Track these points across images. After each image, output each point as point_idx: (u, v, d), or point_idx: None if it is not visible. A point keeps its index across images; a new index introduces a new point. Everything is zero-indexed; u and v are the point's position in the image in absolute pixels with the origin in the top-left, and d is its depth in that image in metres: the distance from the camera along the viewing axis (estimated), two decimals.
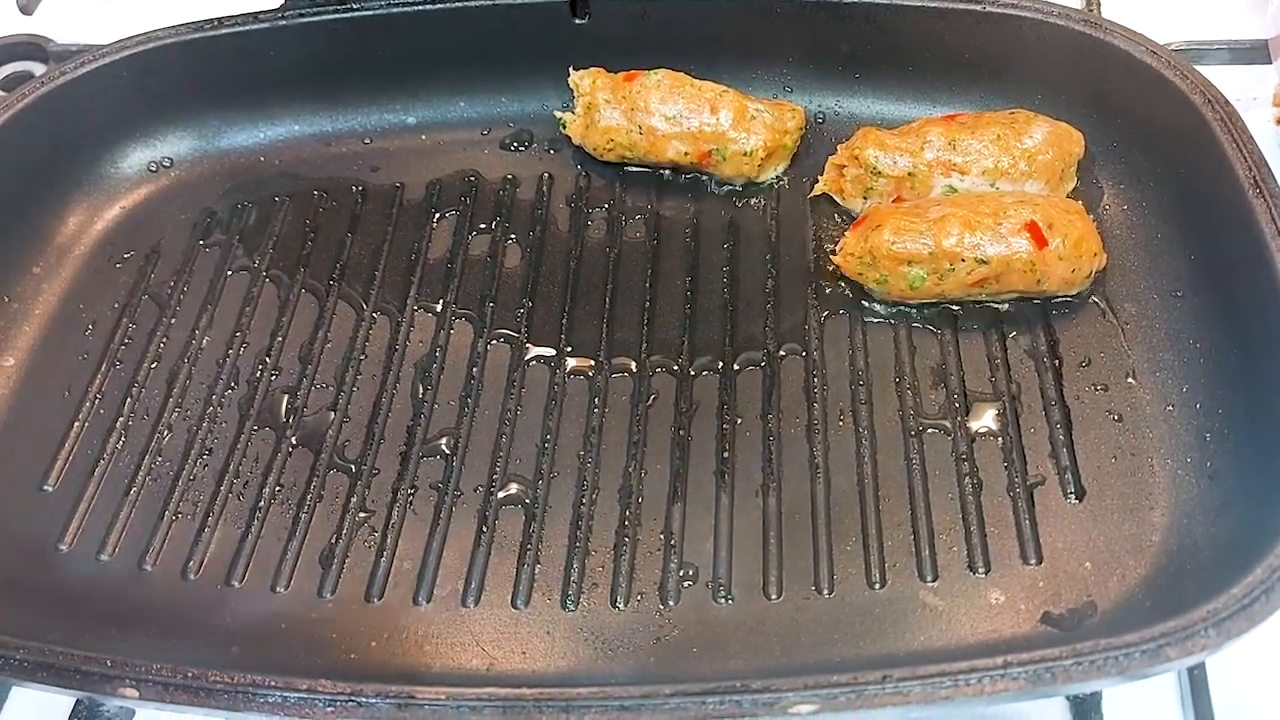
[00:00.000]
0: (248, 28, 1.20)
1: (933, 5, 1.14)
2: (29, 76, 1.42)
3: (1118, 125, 1.11)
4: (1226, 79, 1.24)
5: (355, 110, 1.25)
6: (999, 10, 1.12)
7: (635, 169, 1.20)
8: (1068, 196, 1.11)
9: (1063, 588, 0.89)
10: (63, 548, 0.97)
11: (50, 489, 1.00)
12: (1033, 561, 0.90)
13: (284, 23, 1.20)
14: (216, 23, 1.21)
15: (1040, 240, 1.01)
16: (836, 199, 1.14)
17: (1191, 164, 1.03)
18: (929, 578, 0.90)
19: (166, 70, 1.21)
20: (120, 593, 0.94)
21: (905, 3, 1.14)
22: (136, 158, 1.23)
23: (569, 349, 1.07)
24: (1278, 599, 0.75)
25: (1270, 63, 1.23)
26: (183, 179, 1.24)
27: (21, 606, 0.91)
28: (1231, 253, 0.97)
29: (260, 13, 1.21)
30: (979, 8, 1.13)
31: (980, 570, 0.90)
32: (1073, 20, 1.10)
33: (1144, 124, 1.08)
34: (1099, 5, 1.22)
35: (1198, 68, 1.16)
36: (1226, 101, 1.02)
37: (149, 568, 0.96)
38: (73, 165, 1.20)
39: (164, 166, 1.24)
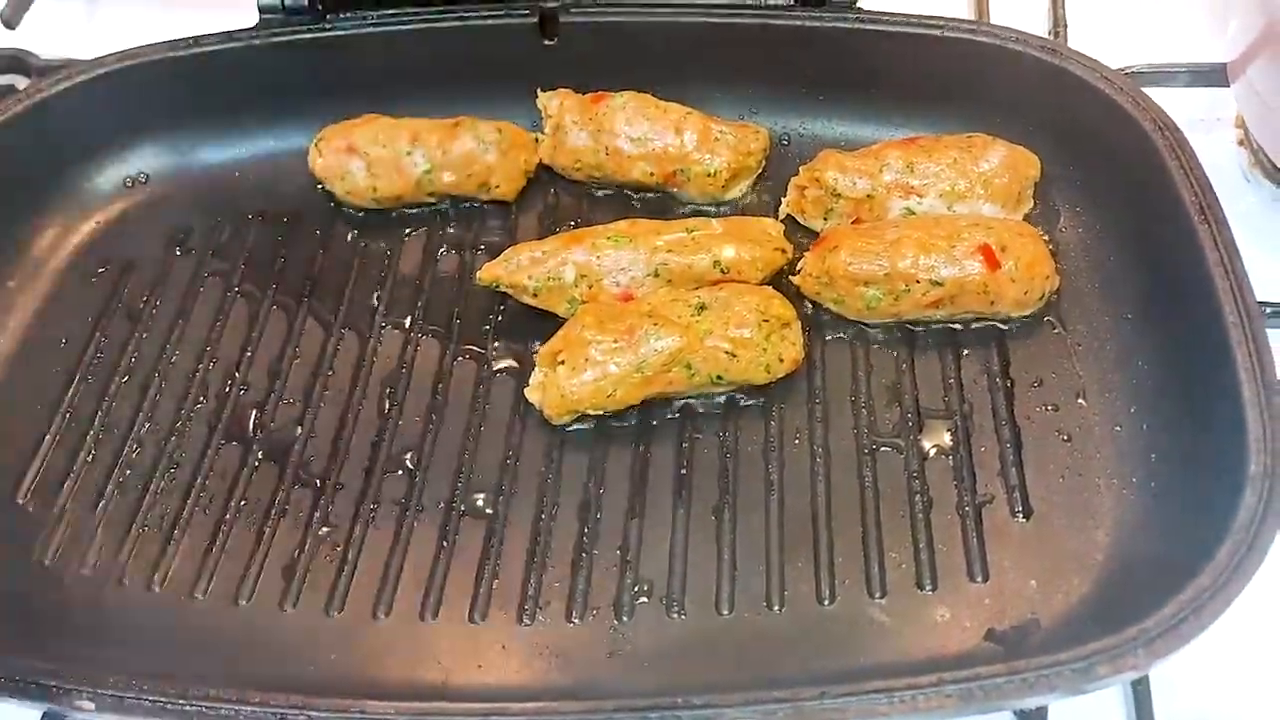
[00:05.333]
0: (223, 46, 1.22)
1: (894, 29, 1.16)
2: (12, 90, 1.44)
3: (1073, 149, 1.13)
4: (1189, 101, 1.27)
5: (319, 127, 1.26)
6: (957, 35, 1.15)
7: (603, 189, 1.22)
8: (1025, 218, 1.13)
9: (1008, 605, 0.90)
10: (36, 561, 0.98)
11: (21, 501, 1.02)
12: (979, 579, 0.92)
13: (258, 42, 1.22)
14: (193, 41, 1.23)
15: (993, 263, 1.03)
16: (799, 219, 1.16)
17: (1142, 189, 1.05)
18: (877, 594, 0.92)
19: (143, 88, 1.23)
20: (88, 604, 0.96)
21: (866, 27, 1.16)
22: (112, 173, 1.25)
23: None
24: (1207, 618, 0.77)
25: (1228, 85, 1.25)
26: (158, 194, 1.25)
27: None
28: (1178, 276, 0.99)
29: (235, 32, 1.23)
30: (938, 32, 1.15)
31: (927, 587, 0.92)
32: (1030, 46, 1.13)
33: (1098, 148, 1.10)
34: (1065, 30, 1.23)
35: (1159, 90, 1.19)
36: (1176, 128, 1.04)
37: (125, 581, 0.97)
38: (48, 180, 1.22)
39: (139, 182, 1.26)
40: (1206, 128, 1.34)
